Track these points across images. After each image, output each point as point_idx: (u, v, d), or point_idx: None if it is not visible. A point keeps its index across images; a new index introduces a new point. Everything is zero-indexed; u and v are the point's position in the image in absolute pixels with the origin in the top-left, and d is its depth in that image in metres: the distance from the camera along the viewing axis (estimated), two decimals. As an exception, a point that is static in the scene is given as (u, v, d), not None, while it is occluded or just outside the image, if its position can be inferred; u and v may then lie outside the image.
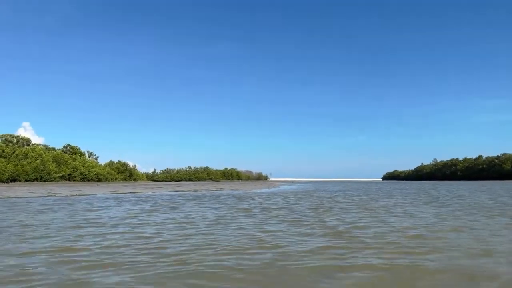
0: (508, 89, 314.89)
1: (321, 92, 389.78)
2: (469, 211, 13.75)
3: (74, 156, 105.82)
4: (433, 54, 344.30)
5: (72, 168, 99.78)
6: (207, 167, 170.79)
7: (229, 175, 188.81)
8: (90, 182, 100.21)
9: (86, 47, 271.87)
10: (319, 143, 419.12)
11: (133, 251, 6.18)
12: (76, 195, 27.09)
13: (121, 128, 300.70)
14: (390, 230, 8.84)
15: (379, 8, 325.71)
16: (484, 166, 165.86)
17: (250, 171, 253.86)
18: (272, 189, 42.22)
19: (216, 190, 37.71)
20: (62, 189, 44.36)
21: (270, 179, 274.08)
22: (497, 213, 13.12)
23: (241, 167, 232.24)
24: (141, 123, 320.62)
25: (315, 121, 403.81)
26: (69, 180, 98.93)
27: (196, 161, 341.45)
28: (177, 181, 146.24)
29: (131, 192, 33.01)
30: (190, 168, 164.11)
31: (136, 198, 22.70)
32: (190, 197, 23.48)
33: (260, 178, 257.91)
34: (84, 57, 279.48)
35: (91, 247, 6.50)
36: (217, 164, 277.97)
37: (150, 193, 31.96)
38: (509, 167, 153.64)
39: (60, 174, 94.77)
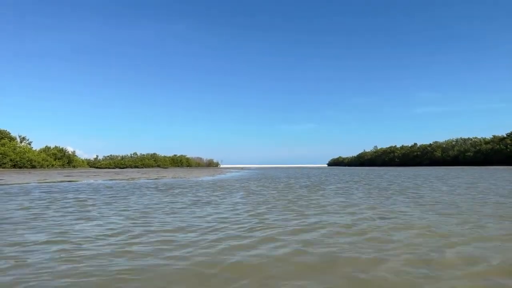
0: (442, 84, 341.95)
1: (271, 79, 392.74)
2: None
3: (2, 141, 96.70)
4: (379, 50, 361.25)
5: (1, 154, 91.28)
6: (154, 154, 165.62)
7: (179, 162, 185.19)
8: (22, 169, 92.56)
9: (25, 21, 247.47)
10: (270, 130, 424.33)
11: None
12: (-7, 186, 24.67)
13: (61, 111, 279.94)
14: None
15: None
16: (418, 153, 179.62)
17: (201, 158, 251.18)
18: (217, 177, 41.93)
19: (156, 179, 36.56)
20: (-17, 178, 40.32)
21: (221, 166, 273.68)
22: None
23: (192, 154, 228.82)
24: (85, 105, 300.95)
25: (272, 103, 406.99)
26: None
27: (146, 148, 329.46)
28: (122, 168, 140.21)
29: (60, 181, 30.85)
30: (136, 154, 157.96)
31: (46, 190, 21.16)
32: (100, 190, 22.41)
33: (211, 164, 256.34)
34: (21, 32, 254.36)
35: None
36: (168, 151, 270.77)
37: (80, 182, 30.14)
38: (440, 154, 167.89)
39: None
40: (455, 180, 27.53)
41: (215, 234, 6.94)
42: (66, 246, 5.94)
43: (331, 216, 9.28)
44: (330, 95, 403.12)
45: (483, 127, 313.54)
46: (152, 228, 7.58)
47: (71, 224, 8.29)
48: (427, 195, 14.79)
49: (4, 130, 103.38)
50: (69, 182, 29.29)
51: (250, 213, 9.86)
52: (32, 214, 10.06)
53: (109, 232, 7.15)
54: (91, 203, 12.78)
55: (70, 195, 16.30)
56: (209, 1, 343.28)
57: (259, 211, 10.36)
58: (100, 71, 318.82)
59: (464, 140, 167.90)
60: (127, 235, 6.90)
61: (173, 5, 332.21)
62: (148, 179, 34.89)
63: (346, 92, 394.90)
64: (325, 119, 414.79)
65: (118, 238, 6.62)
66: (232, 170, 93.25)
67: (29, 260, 5.11)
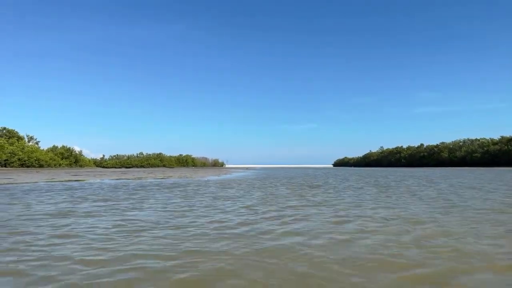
0: (442, 84, 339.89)
1: (270, 78, 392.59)
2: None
3: (11, 140, 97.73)
4: (379, 50, 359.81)
5: (9, 153, 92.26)
6: (160, 153, 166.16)
7: (184, 162, 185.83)
8: (30, 168, 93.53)
9: (30, 21, 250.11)
10: (272, 130, 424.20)
11: None
12: (2, 184, 24.94)
13: (68, 111, 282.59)
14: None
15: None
16: (425, 154, 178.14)
17: (206, 158, 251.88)
18: (222, 177, 42.01)
19: (162, 178, 36.71)
20: (-8, 176, 40.79)
21: (226, 166, 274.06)
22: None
23: (198, 154, 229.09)
24: (91, 105, 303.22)
25: (273, 104, 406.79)
26: (5, 167, 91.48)
27: (152, 148, 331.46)
28: (128, 167, 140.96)
29: (68, 180, 31.09)
30: (142, 154, 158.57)
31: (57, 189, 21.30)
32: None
33: (216, 164, 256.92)
34: (24, 32, 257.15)
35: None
36: (174, 151, 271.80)
37: (87, 181, 30.34)
38: (447, 155, 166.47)
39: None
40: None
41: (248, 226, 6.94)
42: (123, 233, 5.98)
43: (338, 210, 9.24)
44: (331, 95, 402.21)
45: (483, 127, 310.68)
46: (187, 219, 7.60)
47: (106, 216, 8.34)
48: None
49: (12, 130, 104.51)
50: (79, 182, 29.50)
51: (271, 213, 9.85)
52: (59, 210, 10.14)
53: (162, 221, 7.20)
54: (120, 198, 12.85)
55: (88, 192, 16.41)
56: (209, 1, 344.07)
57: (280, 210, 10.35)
58: (100, 71, 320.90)
59: (472, 141, 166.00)
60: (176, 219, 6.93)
61: (173, 5, 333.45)
62: (155, 179, 35.06)
63: (346, 92, 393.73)
64: (326, 119, 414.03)
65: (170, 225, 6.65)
66: (238, 170, 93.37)
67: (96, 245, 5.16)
